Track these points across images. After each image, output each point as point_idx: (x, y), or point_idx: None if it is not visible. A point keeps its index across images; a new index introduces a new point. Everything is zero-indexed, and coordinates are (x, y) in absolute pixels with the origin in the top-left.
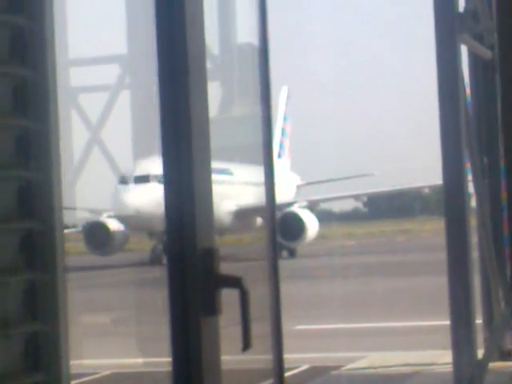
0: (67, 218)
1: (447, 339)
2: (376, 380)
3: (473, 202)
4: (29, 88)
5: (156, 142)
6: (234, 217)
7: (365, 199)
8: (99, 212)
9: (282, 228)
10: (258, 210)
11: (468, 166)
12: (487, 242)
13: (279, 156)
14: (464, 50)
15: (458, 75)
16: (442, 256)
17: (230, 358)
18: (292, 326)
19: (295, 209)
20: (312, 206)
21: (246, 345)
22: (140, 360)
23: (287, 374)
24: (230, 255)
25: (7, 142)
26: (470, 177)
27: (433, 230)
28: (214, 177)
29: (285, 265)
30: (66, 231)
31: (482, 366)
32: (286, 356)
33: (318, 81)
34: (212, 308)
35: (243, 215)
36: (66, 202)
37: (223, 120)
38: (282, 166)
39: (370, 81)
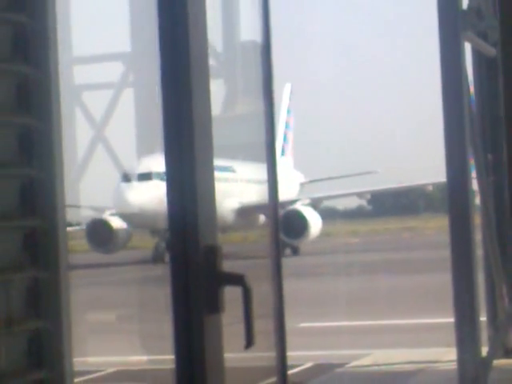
0: (71, 215)
1: (451, 337)
2: (380, 378)
3: (477, 200)
4: (31, 86)
5: (159, 140)
6: (237, 214)
7: (369, 197)
8: (102, 210)
9: (284, 226)
10: (260, 207)
11: (472, 163)
12: (491, 239)
13: (282, 152)
14: (468, 48)
15: (461, 73)
16: (446, 253)
17: (233, 355)
18: (296, 324)
19: (298, 206)
20: (315, 204)
21: (249, 342)
22: (143, 358)
23: (291, 372)
24: (232, 253)
25: (10, 140)
26: (473, 174)
27: (437, 227)
28: (217, 174)
29: (288, 262)
30: (69, 229)
31: (486, 363)
32: (290, 354)
33: (322, 79)
34: (215, 306)
35: (246, 213)
36: (69, 200)
37: (226, 118)
38: (284, 164)
39: (372, 79)
